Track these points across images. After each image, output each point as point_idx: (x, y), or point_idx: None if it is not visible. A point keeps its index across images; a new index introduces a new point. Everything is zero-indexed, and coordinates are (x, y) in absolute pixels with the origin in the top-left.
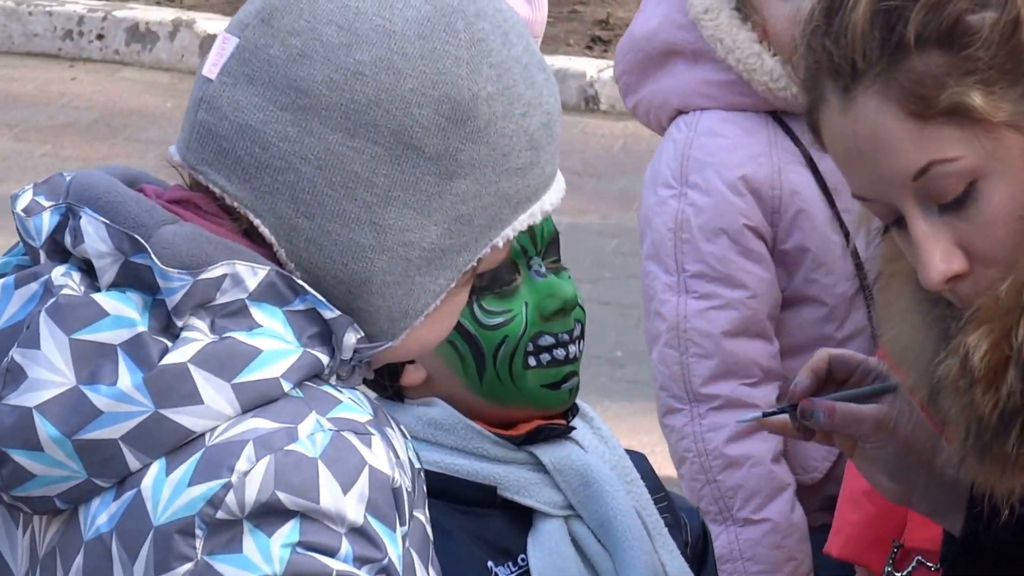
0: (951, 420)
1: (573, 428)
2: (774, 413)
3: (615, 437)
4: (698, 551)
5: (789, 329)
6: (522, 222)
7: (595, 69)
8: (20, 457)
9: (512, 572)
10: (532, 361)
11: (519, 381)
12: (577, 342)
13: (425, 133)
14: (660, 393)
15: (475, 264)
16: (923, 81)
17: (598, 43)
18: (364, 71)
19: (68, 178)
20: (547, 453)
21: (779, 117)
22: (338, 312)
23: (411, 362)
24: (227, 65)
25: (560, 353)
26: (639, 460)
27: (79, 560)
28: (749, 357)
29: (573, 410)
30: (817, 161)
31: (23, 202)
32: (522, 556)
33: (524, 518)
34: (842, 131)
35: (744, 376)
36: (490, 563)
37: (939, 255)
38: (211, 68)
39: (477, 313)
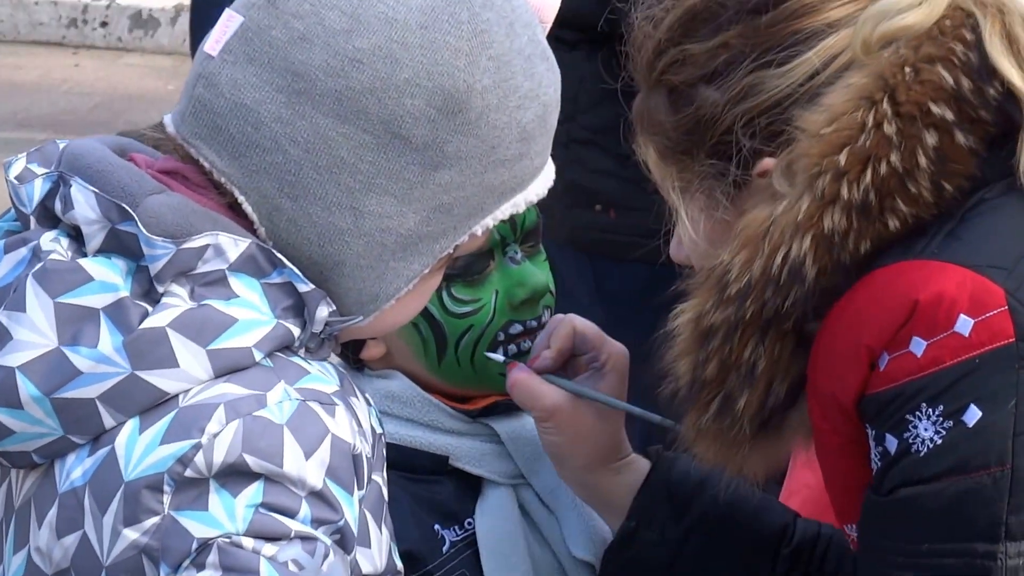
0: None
1: None
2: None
3: None
4: None
5: None
6: (504, 211)
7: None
8: (0, 415)
9: (458, 535)
10: (501, 351)
11: (480, 367)
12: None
13: (415, 123)
14: None
15: (452, 251)
16: (640, 112)
17: None
18: (362, 58)
19: (61, 146)
20: (502, 424)
21: None
22: (312, 286)
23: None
24: (229, 43)
25: (526, 346)
26: None
27: (53, 511)
28: None
29: None
30: None
31: (16, 169)
32: (469, 520)
33: (473, 485)
34: None
35: None
36: (436, 526)
37: (674, 241)
38: (213, 45)
39: (445, 300)
